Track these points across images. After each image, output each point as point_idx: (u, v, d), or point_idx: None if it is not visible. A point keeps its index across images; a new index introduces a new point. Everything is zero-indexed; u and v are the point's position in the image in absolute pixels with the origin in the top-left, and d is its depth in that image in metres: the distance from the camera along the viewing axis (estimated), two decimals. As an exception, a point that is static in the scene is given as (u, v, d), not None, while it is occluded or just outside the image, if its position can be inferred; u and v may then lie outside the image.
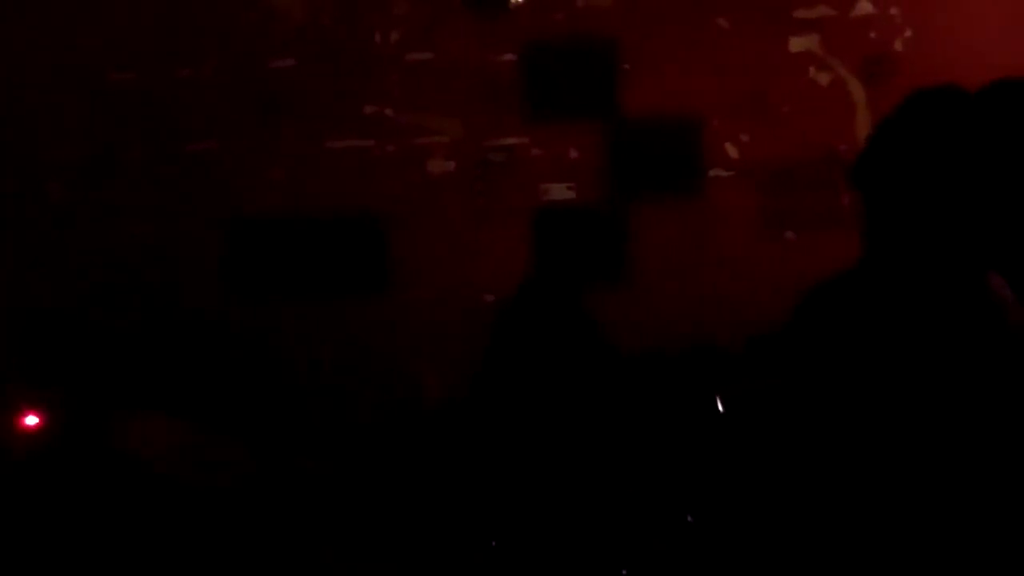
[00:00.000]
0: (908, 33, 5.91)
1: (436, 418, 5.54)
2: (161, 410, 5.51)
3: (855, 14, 5.92)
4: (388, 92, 5.99)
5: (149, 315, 5.95)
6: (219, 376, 5.89)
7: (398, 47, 5.99)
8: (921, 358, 3.20)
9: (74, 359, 5.83)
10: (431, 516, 4.70)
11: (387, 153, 6.00)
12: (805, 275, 3.72)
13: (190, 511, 5.04)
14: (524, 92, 5.98)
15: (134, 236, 5.98)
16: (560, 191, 6.00)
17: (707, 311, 5.85)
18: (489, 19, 5.95)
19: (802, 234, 5.94)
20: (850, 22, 5.92)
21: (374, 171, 6.00)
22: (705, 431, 4.76)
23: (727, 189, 5.96)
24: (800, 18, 5.92)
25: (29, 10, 5.92)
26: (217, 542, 4.96)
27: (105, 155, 5.99)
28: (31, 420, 5.34)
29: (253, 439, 5.53)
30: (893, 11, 5.90)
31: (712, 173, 5.97)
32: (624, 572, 4.27)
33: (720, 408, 4.79)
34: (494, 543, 4.42)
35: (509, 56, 5.97)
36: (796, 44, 5.93)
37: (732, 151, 5.96)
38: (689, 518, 4.44)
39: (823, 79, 5.94)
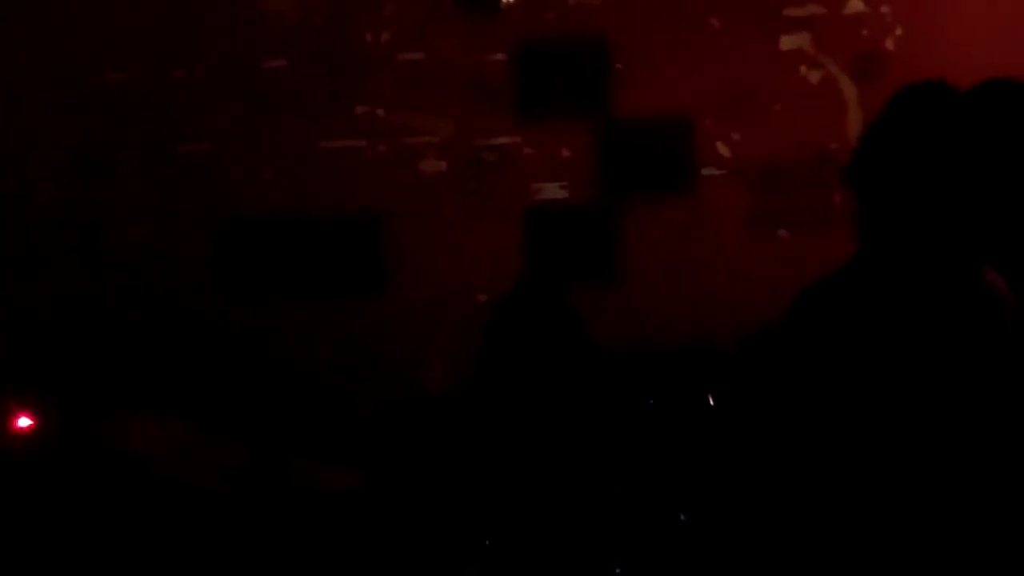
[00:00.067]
0: (899, 31, 5.91)
1: (431, 417, 5.54)
2: (157, 411, 5.51)
3: (846, 12, 5.93)
4: (380, 92, 5.99)
5: (143, 316, 5.95)
6: (214, 376, 5.89)
7: (390, 47, 6.00)
8: (918, 354, 3.20)
9: (68, 360, 5.82)
10: (426, 515, 4.70)
11: (379, 153, 6.00)
12: (797, 273, 3.72)
13: (186, 512, 5.04)
14: (516, 92, 5.98)
15: (127, 237, 5.97)
16: (552, 190, 6.00)
17: (699, 310, 5.85)
18: (480, 19, 5.96)
19: (794, 232, 5.94)
20: (841, 20, 5.92)
21: (367, 171, 6.00)
22: (698, 430, 4.76)
23: (719, 188, 5.96)
24: (791, 16, 5.93)
25: (22, 10, 5.92)
26: (214, 542, 4.96)
27: (98, 156, 5.99)
28: (24, 422, 5.33)
29: (250, 439, 5.53)
30: (884, 9, 5.91)
31: (704, 172, 5.97)
32: (617, 571, 4.27)
33: (712, 407, 4.79)
34: (488, 542, 4.42)
35: (500, 56, 5.97)
36: (787, 42, 5.94)
37: (724, 150, 5.97)
38: (682, 517, 4.44)
39: (814, 77, 5.95)
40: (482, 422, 4.55)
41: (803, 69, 5.95)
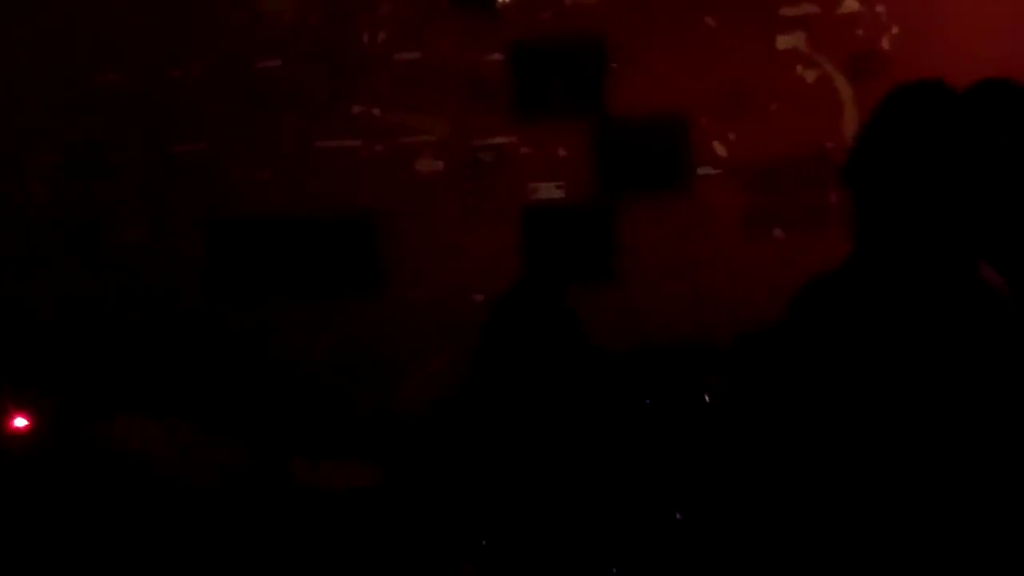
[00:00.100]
0: (895, 30, 5.92)
1: (427, 417, 5.54)
2: (154, 411, 5.51)
3: (841, 11, 5.93)
4: (377, 92, 5.99)
5: (139, 315, 5.95)
6: (211, 376, 5.89)
7: (386, 47, 6.00)
8: (916, 352, 3.21)
9: (64, 360, 5.82)
10: (424, 514, 4.70)
11: (375, 153, 6.00)
12: (793, 273, 3.72)
13: (184, 512, 5.04)
14: (512, 91, 5.98)
15: (123, 236, 5.97)
16: (549, 190, 6.00)
17: (696, 309, 5.85)
18: (477, 19, 5.96)
19: (790, 232, 5.95)
20: (836, 20, 5.93)
21: (363, 171, 6.00)
22: (694, 429, 4.77)
23: (715, 187, 5.96)
24: (787, 16, 5.93)
25: (16, 10, 5.92)
26: (213, 543, 4.96)
27: (94, 155, 5.98)
28: (20, 422, 5.33)
29: (248, 439, 5.53)
30: (879, 8, 5.91)
31: (700, 171, 5.97)
32: (614, 570, 4.27)
33: (709, 406, 4.79)
34: (484, 542, 4.43)
35: (497, 55, 5.97)
36: (783, 42, 5.94)
37: (720, 149, 5.97)
38: (678, 516, 4.44)
39: (810, 76, 5.95)
40: (479, 421, 4.55)
41: (799, 68, 5.95)
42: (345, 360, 5.97)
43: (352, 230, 5.99)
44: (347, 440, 5.75)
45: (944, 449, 3.18)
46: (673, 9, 5.93)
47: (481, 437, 4.53)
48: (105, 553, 4.94)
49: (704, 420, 4.78)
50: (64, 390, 5.63)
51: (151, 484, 5.12)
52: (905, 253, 3.27)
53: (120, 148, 5.99)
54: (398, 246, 5.96)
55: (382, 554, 4.77)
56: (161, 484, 5.12)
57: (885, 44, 5.92)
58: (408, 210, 5.97)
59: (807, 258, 5.63)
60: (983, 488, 3.18)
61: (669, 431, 4.75)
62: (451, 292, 5.92)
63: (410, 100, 5.99)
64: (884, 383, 3.22)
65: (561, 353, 4.57)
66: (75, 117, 5.96)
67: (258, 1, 5.99)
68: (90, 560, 4.94)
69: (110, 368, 5.86)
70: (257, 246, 6.00)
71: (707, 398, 4.85)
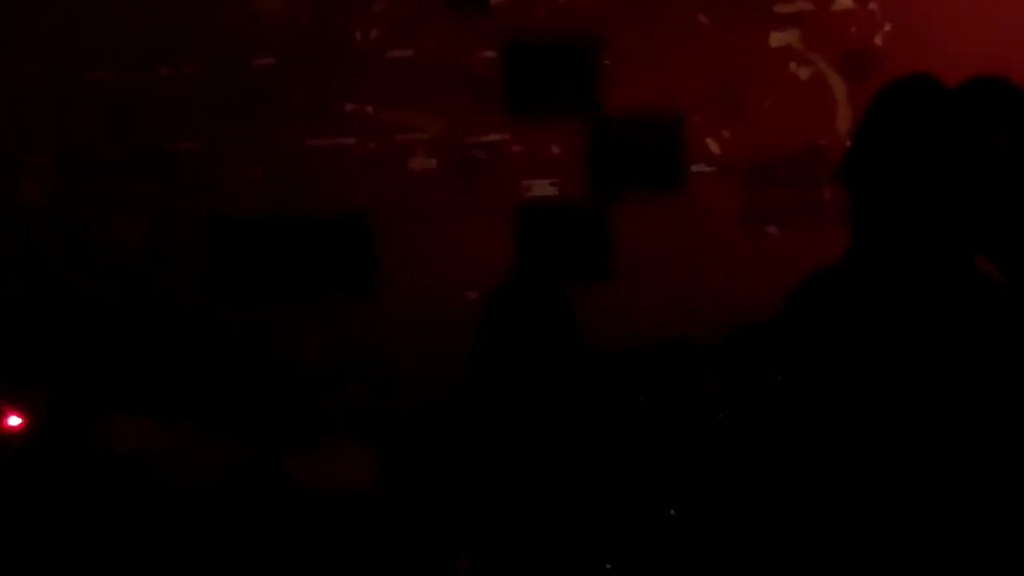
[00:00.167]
0: (888, 28, 5.92)
1: (421, 414, 5.54)
2: (149, 410, 5.50)
3: (835, 9, 5.93)
4: (369, 90, 5.99)
5: (132, 316, 5.94)
6: (204, 376, 5.89)
7: (379, 45, 5.99)
8: (914, 346, 3.21)
9: (56, 360, 5.82)
10: (417, 511, 4.70)
11: (369, 151, 6.00)
12: (788, 269, 3.73)
13: (176, 511, 5.03)
14: (505, 89, 5.98)
15: (115, 235, 5.97)
16: (542, 188, 6.00)
17: (690, 306, 5.85)
18: (470, 16, 5.96)
19: (784, 229, 5.95)
20: (830, 17, 5.93)
21: (356, 169, 5.99)
22: (689, 425, 4.77)
23: (709, 184, 5.97)
24: (780, 13, 5.93)
25: (9, 9, 5.91)
26: (210, 543, 4.95)
27: (84, 155, 5.98)
28: (13, 421, 5.33)
29: (243, 437, 5.53)
30: (873, 6, 5.92)
31: (694, 169, 5.97)
32: (608, 567, 4.27)
33: (703, 402, 4.79)
34: (480, 538, 4.43)
35: (490, 53, 5.97)
36: (776, 39, 5.94)
37: (713, 146, 5.97)
38: (672, 512, 4.44)
39: (803, 74, 5.95)
40: (474, 417, 4.55)
41: (793, 66, 5.95)
42: (339, 358, 5.97)
43: (345, 228, 5.98)
44: (341, 435, 5.75)
45: (941, 444, 3.19)
46: (667, 6, 5.93)
47: (476, 433, 4.53)
48: (100, 552, 4.94)
49: (699, 416, 4.78)
50: (59, 388, 5.62)
51: (147, 483, 5.11)
52: (902, 248, 3.27)
53: (114, 147, 5.98)
54: (392, 244, 5.95)
55: (378, 552, 4.77)
56: (157, 483, 5.12)
57: (878, 41, 5.92)
58: (402, 208, 5.97)
59: (802, 255, 5.63)
60: (981, 483, 3.18)
61: (663, 427, 4.74)
62: (445, 290, 5.91)
63: (403, 98, 5.99)
64: (882, 377, 3.22)
65: (557, 350, 4.56)
66: (69, 116, 5.96)
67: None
68: (85, 559, 4.94)
69: (105, 366, 5.85)
70: (250, 244, 5.99)
71: (702, 395, 4.85)
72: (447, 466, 4.54)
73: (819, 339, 3.31)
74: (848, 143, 3.43)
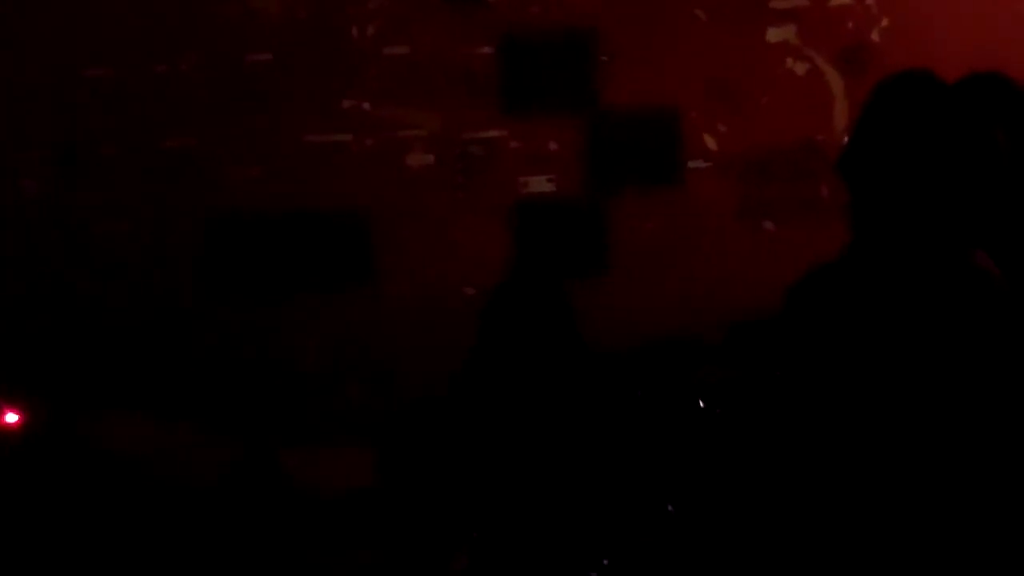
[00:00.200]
0: (885, 23, 5.92)
1: (419, 410, 5.54)
2: (143, 409, 5.50)
3: (832, 4, 5.94)
4: (366, 86, 5.98)
5: (129, 313, 5.94)
6: (201, 373, 5.89)
7: (375, 41, 5.99)
8: (914, 341, 3.21)
9: (53, 357, 5.81)
10: (415, 507, 4.70)
11: (365, 147, 6.00)
12: (784, 265, 3.73)
13: (172, 509, 5.03)
14: (502, 85, 5.98)
15: (112, 233, 5.96)
16: (539, 183, 6.00)
17: (687, 301, 5.86)
18: (466, 12, 5.95)
19: (781, 224, 5.95)
20: (827, 12, 5.93)
21: (353, 166, 5.99)
22: (686, 421, 4.77)
23: (706, 180, 5.97)
24: (777, 8, 5.93)
25: (4, 6, 5.90)
26: (207, 542, 4.95)
27: (81, 152, 5.97)
28: (11, 418, 5.32)
29: (240, 435, 5.53)
30: (869, 1, 5.92)
31: (691, 164, 5.98)
32: (604, 562, 4.27)
33: (701, 398, 4.80)
34: (476, 534, 4.43)
35: (487, 49, 5.97)
36: (773, 34, 5.94)
37: (710, 142, 5.97)
38: (670, 508, 4.45)
39: (800, 69, 5.95)
40: (472, 413, 4.55)
41: (789, 61, 5.95)
42: (337, 354, 5.97)
43: (342, 224, 5.98)
44: (340, 433, 5.75)
45: (940, 438, 3.19)
46: (663, 2, 5.93)
47: (474, 429, 4.53)
48: (97, 551, 4.94)
49: (696, 412, 4.79)
50: (56, 386, 5.62)
51: (144, 482, 5.11)
52: (901, 243, 3.27)
53: (110, 143, 5.97)
54: (389, 240, 5.95)
55: (378, 550, 4.77)
56: (154, 482, 5.11)
57: (875, 37, 5.92)
58: (399, 204, 5.96)
59: (798, 250, 5.63)
60: (979, 477, 3.18)
61: (661, 423, 4.75)
62: (442, 286, 5.91)
63: (400, 94, 5.99)
64: (880, 371, 3.23)
65: (556, 346, 4.57)
66: (63, 113, 5.95)
67: (246, -5, 5.98)
68: (82, 558, 4.94)
69: (103, 364, 5.85)
70: (247, 241, 5.99)
71: (699, 391, 4.86)
72: (445, 462, 4.55)
73: (818, 334, 3.31)
74: (846, 138, 3.43)
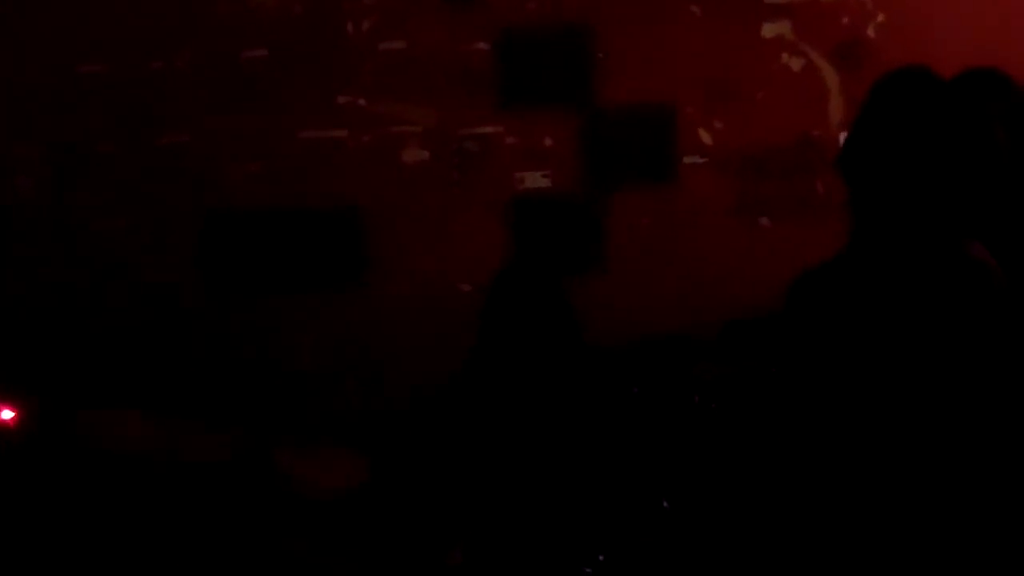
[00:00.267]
0: (880, 18, 5.92)
1: (415, 407, 5.54)
2: (141, 405, 5.49)
3: (827, 0, 5.94)
4: (362, 82, 5.98)
5: (124, 310, 5.94)
6: (197, 371, 5.88)
7: (371, 37, 5.99)
8: (914, 337, 3.21)
9: (48, 355, 5.81)
10: (410, 501, 4.70)
11: (361, 143, 5.99)
12: (780, 261, 3.73)
13: (169, 507, 5.03)
14: (498, 81, 5.97)
15: (107, 230, 5.96)
16: (535, 179, 6.00)
17: (683, 298, 5.86)
18: (462, 8, 5.95)
19: (777, 220, 5.95)
20: (822, 8, 5.93)
21: (349, 161, 5.99)
22: (681, 418, 4.77)
23: (702, 176, 5.97)
24: (772, 4, 5.93)
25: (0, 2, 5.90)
26: (203, 540, 4.95)
27: (76, 149, 5.97)
28: (6, 415, 5.32)
29: (234, 432, 5.52)
30: (865, -3, 5.93)
31: (687, 160, 5.98)
32: (600, 558, 4.28)
33: (696, 394, 4.80)
34: (472, 530, 4.43)
35: (483, 45, 5.96)
36: (768, 30, 5.94)
37: (706, 138, 5.97)
38: (665, 504, 4.45)
39: (796, 65, 5.95)
40: (471, 410, 4.55)
41: (785, 57, 5.95)
42: (331, 350, 5.97)
43: (338, 221, 5.98)
44: (334, 430, 5.75)
45: (938, 435, 3.19)
46: (659, -2, 5.94)
47: (472, 425, 4.53)
48: (91, 547, 4.94)
49: (692, 408, 4.79)
50: (51, 382, 5.62)
51: (138, 478, 5.11)
52: (900, 240, 3.28)
53: (105, 140, 5.97)
54: (384, 236, 5.95)
55: (372, 544, 4.77)
56: (148, 478, 5.11)
57: (870, 32, 5.92)
58: (394, 200, 5.96)
59: (794, 246, 5.64)
60: (978, 474, 3.18)
61: (656, 419, 4.75)
62: (438, 282, 5.91)
63: (396, 90, 5.99)
64: (879, 366, 3.23)
65: (556, 343, 4.57)
66: (58, 109, 5.94)
67: (242, -9, 5.98)
68: (77, 554, 4.93)
69: (98, 361, 5.85)
70: (241, 238, 5.99)
71: (695, 388, 4.86)
72: (440, 458, 4.55)
73: (819, 330, 3.31)
74: (841, 134, 3.44)
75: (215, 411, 5.71)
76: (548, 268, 5.28)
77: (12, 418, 5.32)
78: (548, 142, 5.99)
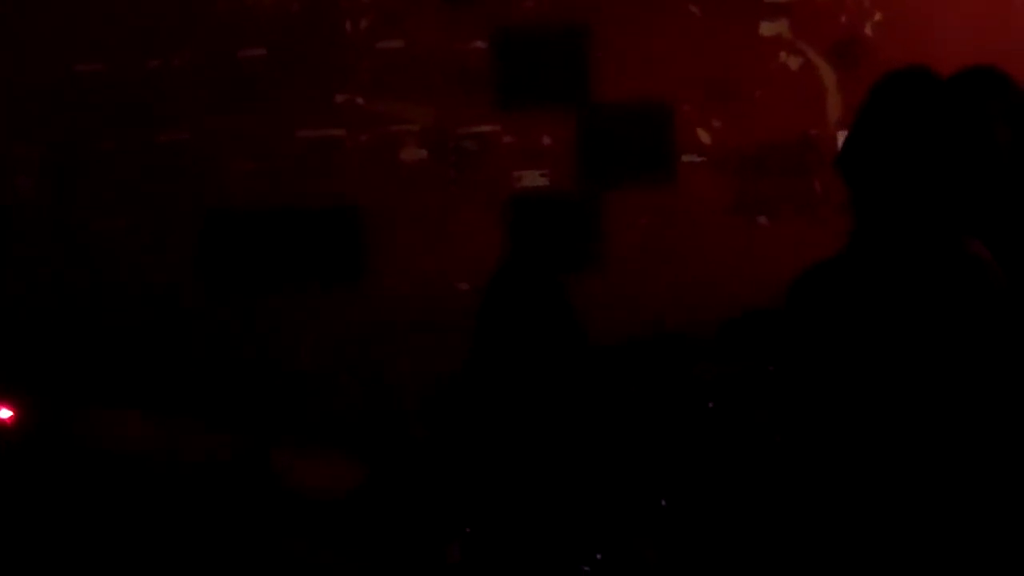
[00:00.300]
0: (878, 17, 5.92)
1: (413, 406, 5.54)
2: (140, 405, 5.49)
3: (825, -2, 5.95)
4: (359, 81, 5.98)
5: (122, 309, 5.94)
6: (195, 369, 5.88)
7: (368, 35, 5.98)
8: (914, 335, 3.21)
9: (47, 354, 5.81)
10: (409, 499, 4.70)
11: (359, 142, 5.99)
12: (778, 259, 3.74)
13: (168, 507, 5.03)
14: (496, 79, 5.97)
15: (106, 228, 5.96)
16: (533, 178, 6.00)
17: (681, 296, 5.86)
18: (460, 6, 5.95)
19: (775, 219, 5.95)
20: (820, 6, 5.93)
21: (347, 160, 5.99)
22: (679, 416, 4.77)
23: (699, 175, 5.97)
24: (770, 2, 5.93)
25: (-2, 2, 5.90)
26: (201, 540, 4.95)
27: (76, 149, 5.97)
28: (5, 414, 5.32)
29: (233, 432, 5.52)
30: (862, -5, 5.93)
31: (684, 159, 5.98)
32: (598, 556, 4.28)
33: (695, 393, 4.80)
34: (468, 528, 4.43)
35: (480, 43, 5.96)
36: (766, 29, 5.95)
37: (704, 136, 5.97)
38: (663, 503, 4.45)
39: (793, 63, 5.95)
40: (471, 408, 4.55)
41: (783, 55, 5.95)
42: (329, 348, 5.97)
43: (336, 219, 5.98)
44: (332, 430, 5.75)
45: (937, 433, 3.19)
46: (657, -3, 5.94)
47: (472, 423, 4.53)
48: (89, 547, 4.93)
49: (690, 407, 4.79)
50: (50, 382, 5.62)
51: (136, 478, 5.11)
52: (901, 238, 3.28)
53: (104, 139, 5.97)
54: (382, 235, 5.95)
55: (370, 546, 4.77)
56: (145, 478, 5.11)
57: (868, 31, 5.93)
58: (392, 199, 5.96)
59: (793, 245, 5.65)
60: (977, 471, 3.19)
61: (654, 418, 4.75)
62: (435, 281, 5.91)
63: (394, 89, 5.98)
64: (879, 364, 3.23)
65: (556, 341, 4.57)
66: (56, 108, 5.94)
67: (240, -10, 5.98)
68: (74, 554, 4.93)
69: (96, 360, 5.84)
70: (239, 236, 5.99)
71: (694, 387, 4.86)
72: (438, 456, 4.55)
73: (820, 329, 3.31)
74: (839, 132, 3.45)
75: (215, 411, 5.71)
76: (545, 266, 5.28)
77: (11, 417, 5.31)
78: (546, 141, 5.99)
